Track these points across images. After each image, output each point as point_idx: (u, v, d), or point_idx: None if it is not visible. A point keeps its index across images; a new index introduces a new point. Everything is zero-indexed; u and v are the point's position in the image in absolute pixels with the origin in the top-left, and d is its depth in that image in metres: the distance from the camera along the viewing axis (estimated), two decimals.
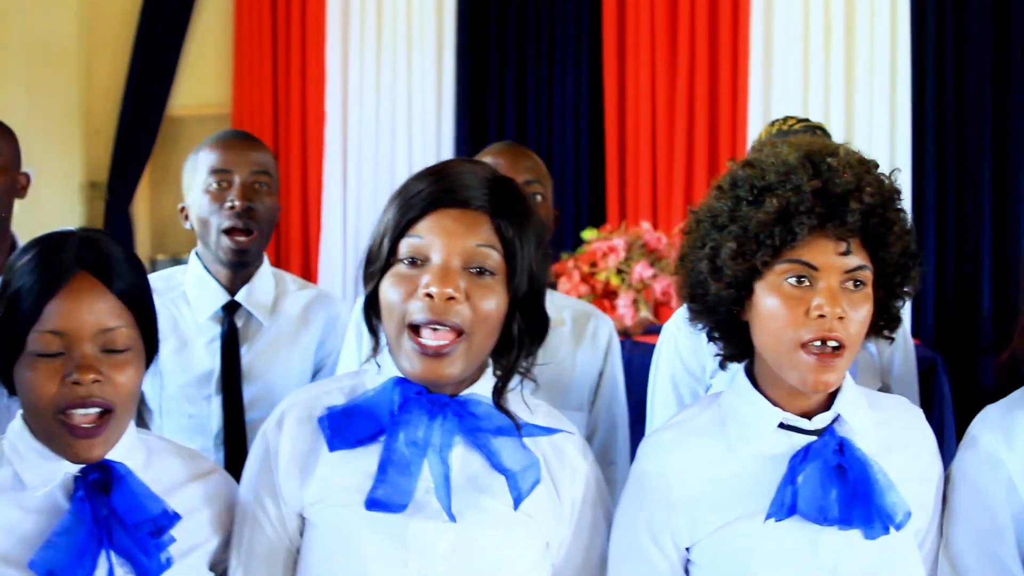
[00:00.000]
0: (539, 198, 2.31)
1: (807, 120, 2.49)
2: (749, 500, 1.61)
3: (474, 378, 1.65)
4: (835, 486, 1.58)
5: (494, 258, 1.56)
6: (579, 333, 2.41)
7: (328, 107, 6.02)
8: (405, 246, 1.56)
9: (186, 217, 2.47)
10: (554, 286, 4.39)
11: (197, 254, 2.48)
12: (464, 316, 1.53)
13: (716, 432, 1.68)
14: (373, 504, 1.56)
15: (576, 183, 5.80)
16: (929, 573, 1.72)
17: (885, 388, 2.35)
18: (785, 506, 1.57)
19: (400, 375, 1.61)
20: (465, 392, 1.63)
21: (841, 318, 1.53)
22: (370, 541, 1.58)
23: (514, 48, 5.89)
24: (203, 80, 6.30)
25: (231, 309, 2.43)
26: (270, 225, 2.44)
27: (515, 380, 1.66)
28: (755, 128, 5.55)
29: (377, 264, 1.59)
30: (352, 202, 5.98)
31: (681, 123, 5.65)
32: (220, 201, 2.37)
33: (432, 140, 5.98)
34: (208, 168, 2.39)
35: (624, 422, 2.46)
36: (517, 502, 1.59)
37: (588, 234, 4.52)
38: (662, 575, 1.67)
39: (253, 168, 2.40)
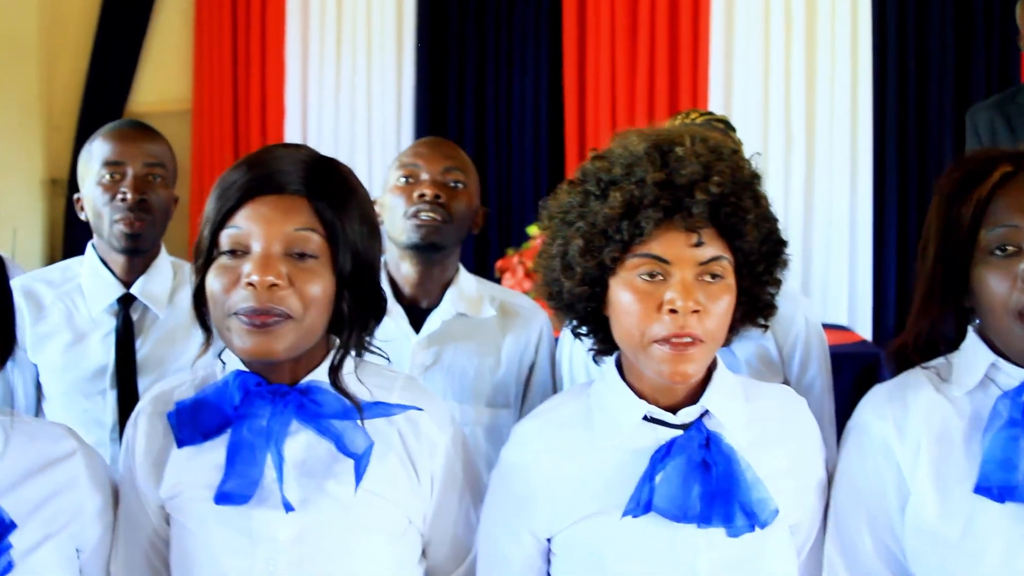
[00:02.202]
0: (460, 186, 2.29)
1: (711, 113, 2.45)
2: (609, 494, 1.57)
3: (314, 364, 1.63)
4: (698, 482, 1.54)
5: (315, 241, 1.54)
6: (507, 324, 2.37)
7: (288, 103, 6.03)
8: (225, 237, 1.55)
9: (81, 208, 2.44)
10: (499, 280, 4.37)
11: (93, 246, 2.44)
12: (289, 302, 1.52)
13: (582, 423, 1.64)
14: (222, 498, 1.55)
15: (536, 183, 5.78)
16: (812, 566, 1.69)
17: (786, 384, 2.30)
18: (642, 503, 1.53)
19: (242, 368, 1.60)
20: (305, 379, 1.62)
21: (696, 311, 1.49)
22: (220, 534, 1.57)
23: (474, 47, 5.88)
24: (164, 76, 6.28)
25: (126, 302, 2.40)
26: (165, 216, 2.41)
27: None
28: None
29: (201, 258, 1.57)
30: None
31: (641, 125, 5.60)
32: (113, 193, 2.35)
33: (392, 137, 5.98)
34: (101, 160, 2.37)
35: None
36: (357, 484, 1.57)
37: (533, 229, 4.48)
38: (515, 564, 1.65)
39: (146, 160, 2.38)
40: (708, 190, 1.50)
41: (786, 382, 2.29)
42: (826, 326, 2.55)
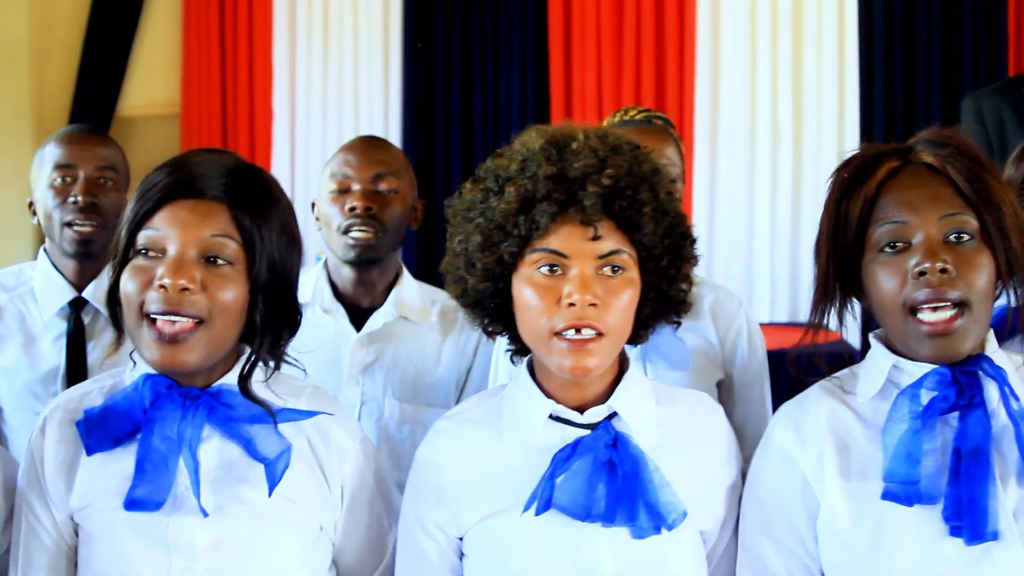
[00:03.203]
0: (393, 192, 2.28)
1: (649, 110, 2.44)
2: (514, 492, 1.57)
3: (227, 368, 1.63)
4: (603, 482, 1.54)
5: (231, 248, 1.56)
6: (447, 327, 2.37)
7: (276, 106, 6.02)
8: (142, 238, 1.56)
9: (34, 213, 2.45)
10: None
11: (45, 250, 2.45)
12: (200, 306, 1.53)
13: (492, 422, 1.65)
14: (132, 504, 1.55)
15: None
16: (725, 572, 1.68)
17: (728, 379, 2.31)
18: (542, 500, 1.53)
19: (151, 371, 1.60)
20: (217, 383, 1.62)
21: (594, 305, 1.49)
22: (133, 542, 1.56)
23: (460, 47, 5.86)
24: (153, 80, 6.27)
25: (78, 306, 2.40)
26: (116, 219, 2.41)
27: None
28: (702, 127, 5.52)
29: (118, 257, 1.58)
30: (300, 200, 5.94)
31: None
32: (64, 196, 2.37)
33: None
34: (53, 163, 2.39)
35: None
36: (271, 489, 1.57)
37: None
38: (431, 562, 1.65)
39: (98, 163, 2.40)
40: (600, 183, 1.50)
41: (729, 378, 2.29)
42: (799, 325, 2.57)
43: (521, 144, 1.59)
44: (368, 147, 2.35)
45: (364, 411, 2.26)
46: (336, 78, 5.98)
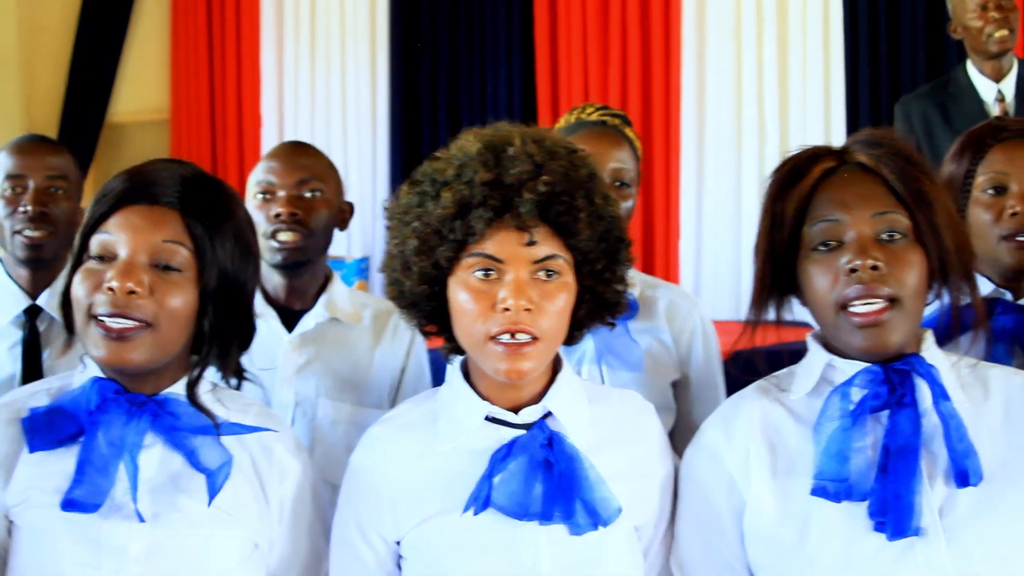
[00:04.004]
0: (317, 195, 2.28)
1: (607, 108, 2.42)
2: (452, 495, 1.57)
3: (175, 377, 1.65)
4: (540, 481, 1.55)
5: (182, 254, 1.58)
6: (379, 330, 2.37)
7: (264, 111, 6.06)
8: (95, 242, 1.58)
9: None
10: None
11: (0, 260, 2.46)
12: (147, 310, 1.54)
13: (427, 426, 1.65)
14: (69, 504, 1.55)
15: None
16: (659, 569, 1.69)
17: (684, 379, 2.30)
18: (480, 500, 1.54)
19: (100, 375, 1.61)
20: (164, 392, 1.63)
21: (528, 309, 1.50)
22: (66, 542, 1.56)
23: (447, 52, 5.89)
24: (142, 87, 6.32)
25: (33, 314, 2.41)
26: (68, 228, 2.41)
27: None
28: (688, 126, 5.51)
29: (72, 260, 1.61)
30: None
31: None
32: (14, 205, 2.37)
33: (367, 143, 6.01)
34: (3, 173, 2.40)
35: None
36: (211, 499, 1.58)
37: None
38: (369, 569, 1.65)
39: (48, 173, 2.41)
40: (536, 189, 1.50)
41: (684, 378, 2.29)
42: (788, 323, 2.57)
43: (458, 148, 1.59)
44: (291, 153, 2.35)
45: (298, 412, 2.26)
46: (323, 83, 6.02)
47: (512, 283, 1.50)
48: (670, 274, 5.52)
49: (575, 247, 1.56)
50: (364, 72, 5.98)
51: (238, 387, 1.73)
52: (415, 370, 2.39)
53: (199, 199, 1.60)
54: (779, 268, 1.61)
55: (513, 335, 1.50)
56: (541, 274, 1.53)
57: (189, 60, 6.14)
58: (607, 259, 1.60)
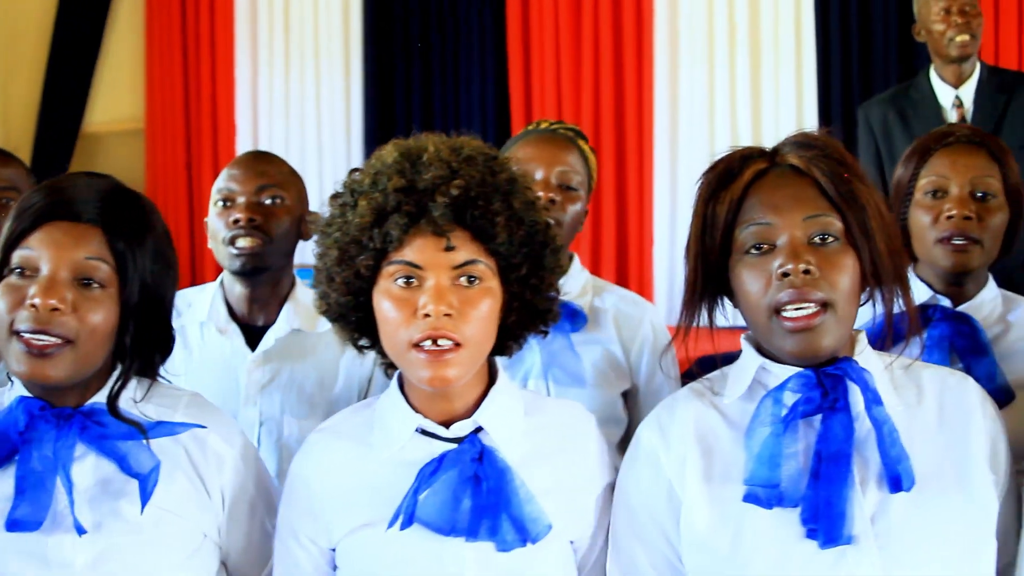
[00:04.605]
0: (277, 201, 2.27)
1: (560, 122, 2.43)
2: (381, 506, 1.57)
3: (101, 386, 1.66)
4: (468, 496, 1.54)
5: (103, 271, 1.59)
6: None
7: (238, 119, 6.06)
8: (16, 257, 1.59)
9: None
10: None
11: None
12: (69, 327, 1.56)
13: (362, 436, 1.65)
14: (13, 525, 1.55)
15: None
16: None
17: (635, 388, 2.30)
18: (406, 515, 1.54)
19: (26, 392, 1.63)
20: (90, 402, 1.64)
21: (450, 315, 1.50)
22: (15, 563, 1.56)
23: (420, 60, 5.91)
24: (117, 97, 6.31)
25: None
26: None
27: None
28: (661, 133, 5.52)
29: None
30: None
31: (587, 135, 5.60)
32: None
33: (342, 152, 6.01)
34: None
35: None
36: (143, 504, 1.59)
37: None
38: (305, 572, 1.66)
39: None
40: (449, 193, 1.50)
41: (635, 387, 2.28)
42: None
43: (376, 158, 1.60)
44: (252, 161, 2.36)
45: (263, 431, 2.25)
46: (298, 91, 6.03)
47: (432, 289, 1.51)
48: (643, 281, 5.52)
49: (496, 252, 1.56)
50: (338, 81, 5.98)
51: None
52: (382, 379, 2.37)
53: (119, 214, 1.62)
54: (711, 271, 1.60)
55: (435, 341, 1.50)
56: (463, 280, 1.53)
57: (164, 69, 6.14)
58: (531, 265, 1.60)
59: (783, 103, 5.44)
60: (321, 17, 5.99)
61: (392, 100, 5.92)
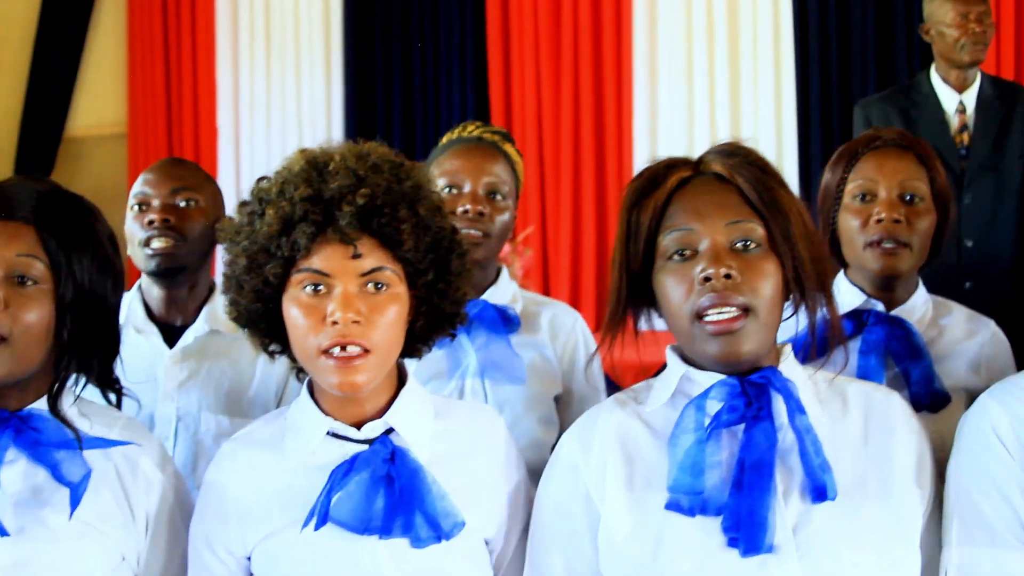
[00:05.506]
0: (192, 203, 2.29)
1: (488, 125, 2.43)
2: (295, 510, 1.59)
3: (40, 392, 1.68)
4: (381, 495, 1.56)
5: (37, 268, 1.61)
6: None
7: (220, 123, 6.08)
8: None
9: None
10: None
11: None
12: (2, 325, 1.57)
13: (276, 443, 1.67)
14: None
15: None
16: None
17: (567, 393, 2.31)
18: (320, 516, 1.55)
19: None
20: (28, 407, 1.66)
21: (358, 322, 1.51)
22: None
23: (400, 62, 5.92)
24: (100, 101, 6.32)
25: None
26: None
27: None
28: (641, 131, 5.52)
29: None
30: None
31: (567, 136, 5.63)
32: None
33: None
34: None
35: None
36: (72, 510, 1.60)
37: None
38: None
39: None
40: (356, 202, 1.52)
41: (567, 392, 2.29)
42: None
43: (284, 167, 1.61)
44: (167, 165, 2.39)
45: (180, 426, 2.27)
46: (279, 95, 6.04)
47: (340, 297, 1.52)
48: None
49: (403, 258, 1.57)
50: (319, 84, 5.99)
51: (118, 404, 1.77)
52: (297, 383, 2.39)
53: (54, 214, 1.64)
54: (635, 279, 1.61)
55: (344, 348, 1.52)
56: (370, 287, 1.55)
57: (146, 73, 6.14)
58: (438, 270, 1.62)
59: (762, 105, 5.43)
60: (302, 20, 6.00)
61: (373, 102, 5.93)
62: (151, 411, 2.24)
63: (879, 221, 2.04)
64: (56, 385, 1.67)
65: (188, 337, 2.30)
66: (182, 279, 2.31)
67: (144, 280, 2.35)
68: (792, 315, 1.61)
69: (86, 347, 1.68)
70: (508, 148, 2.34)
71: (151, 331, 2.30)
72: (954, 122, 3.51)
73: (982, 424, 1.62)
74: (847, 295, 2.11)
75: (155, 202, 2.28)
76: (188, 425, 2.27)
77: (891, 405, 1.61)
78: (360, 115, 5.90)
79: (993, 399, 1.63)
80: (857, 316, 2.07)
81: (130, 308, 2.32)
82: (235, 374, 2.30)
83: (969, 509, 1.59)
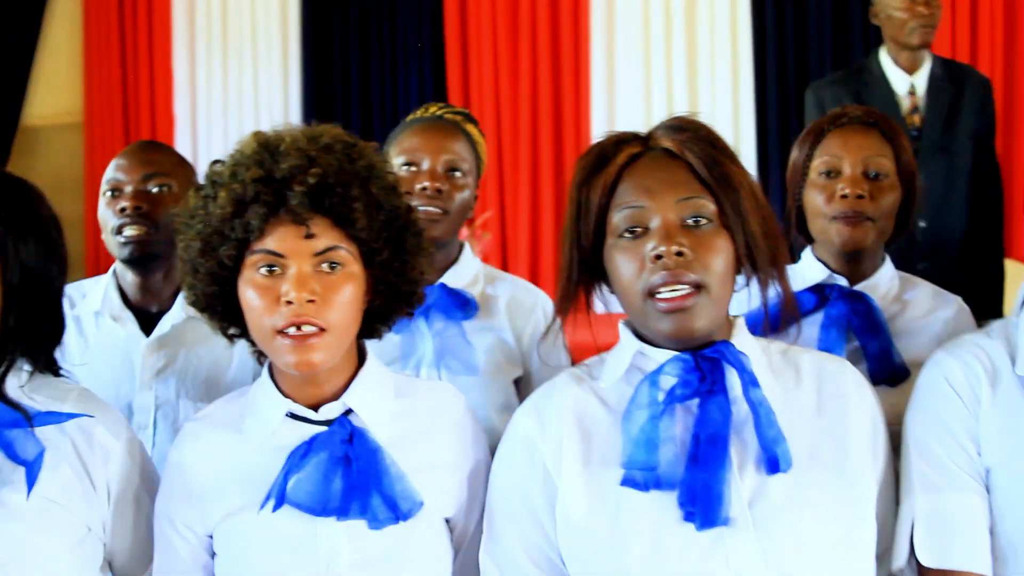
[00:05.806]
0: (164, 189, 2.27)
1: (450, 106, 2.43)
2: (253, 490, 1.60)
3: None
4: (339, 476, 1.57)
5: None
6: None
7: (177, 111, 6.05)
8: None
9: None
10: None
11: None
12: None
13: (236, 423, 1.67)
14: None
15: None
16: (474, 557, 1.68)
17: (527, 376, 2.29)
18: (277, 497, 1.56)
19: None
20: None
21: (312, 301, 1.52)
22: None
23: (358, 52, 5.92)
24: (55, 90, 6.26)
25: None
26: None
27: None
28: (599, 119, 5.55)
29: None
30: None
31: (525, 120, 5.65)
32: None
33: None
34: None
35: None
36: (29, 490, 1.60)
37: None
38: (183, 560, 1.67)
39: None
40: (307, 181, 1.52)
41: (527, 374, 2.29)
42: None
43: (237, 149, 1.62)
44: (139, 150, 2.36)
45: (160, 415, 2.25)
46: (236, 83, 6.02)
47: (294, 277, 1.53)
48: None
49: (357, 237, 1.58)
50: (276, 74, 5.98)
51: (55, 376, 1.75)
52: None
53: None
54: (586, 257, 1.61)
55: (299, 327, 1.52)
56: (324, 266, 1.55)
57: (102, 62, 6.10)
58: (393, 248, 1.62)
59: (719, 84, 5.48)
60: (259, 10, 6.00)
61: (331, 94, 5.94)
62: (129, 400, 2.22)
63: (843, 196, 2.06)
64: (2, 371, 1.65)
65: (165, 325, 2.27)
66: (156, 266, 2.28)
67: (118, 266, 2.33)
68: (745, 286, 1.62)
69: (32, 332, 1.67)
70: (470, 128, 2.34)
71: (127, 318, 2.28)
72: (905, 104, 3.54)
73: (936, 376, 1.66)
74: (812, 270, 2.13)
75: (127, 188, 2.25)
76: (167, 413, 2.25)
77: (844, 375, 1.62)
78: (318, 103, 5.89)
79: (947, 352, 1.68)
80: (820, 291, 2.09)
81: (105, 295, 2.30)
82: (212, 360, 2.28)
83: (928, 457, 1.63)
